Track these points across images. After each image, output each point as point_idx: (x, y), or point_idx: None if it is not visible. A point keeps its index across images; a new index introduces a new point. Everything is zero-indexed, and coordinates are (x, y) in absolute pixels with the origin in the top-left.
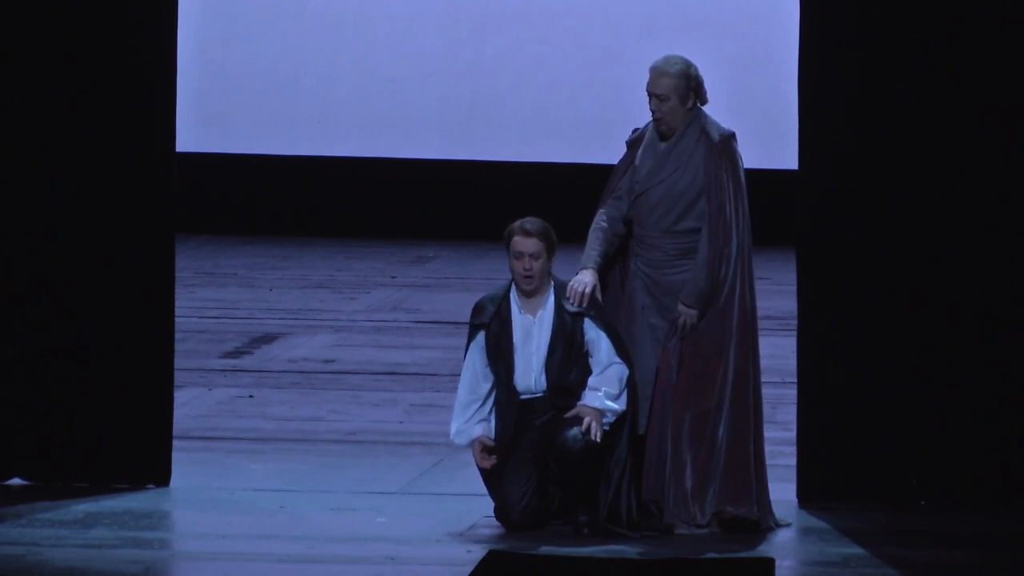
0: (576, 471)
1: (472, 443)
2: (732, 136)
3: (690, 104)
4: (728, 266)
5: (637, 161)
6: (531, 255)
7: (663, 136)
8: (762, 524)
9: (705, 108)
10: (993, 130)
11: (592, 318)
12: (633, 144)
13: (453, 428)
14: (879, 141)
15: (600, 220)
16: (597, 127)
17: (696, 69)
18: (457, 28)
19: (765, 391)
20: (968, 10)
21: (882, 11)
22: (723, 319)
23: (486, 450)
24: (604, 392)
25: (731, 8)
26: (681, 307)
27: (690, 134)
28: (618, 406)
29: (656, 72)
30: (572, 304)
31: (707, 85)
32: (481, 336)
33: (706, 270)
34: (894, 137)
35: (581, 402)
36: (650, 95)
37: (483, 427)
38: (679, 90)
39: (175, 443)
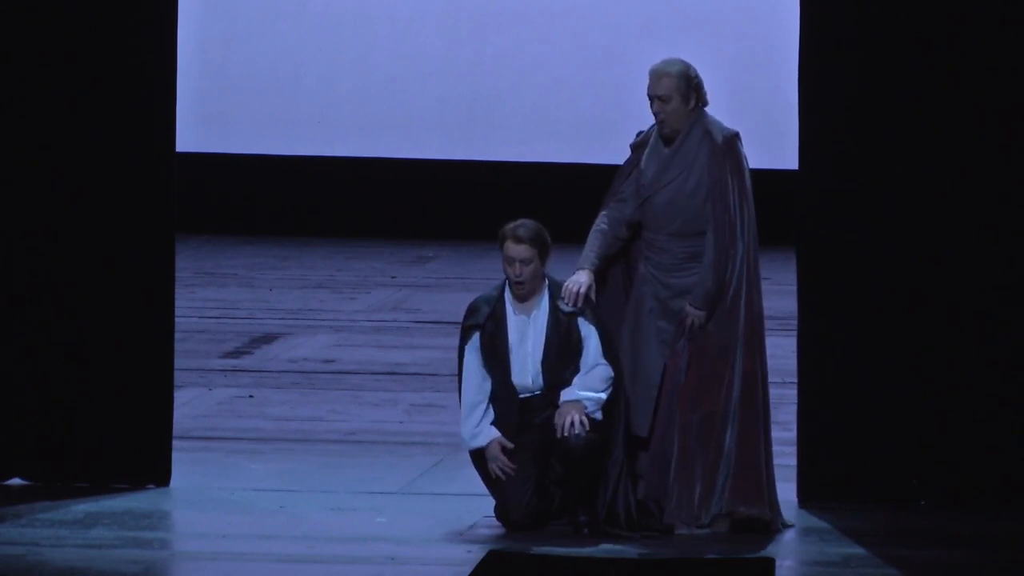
0: (580, 467)
1: (490, 443)
2: (736, 136)
3: (692, 104)
4: (734, 267)
5: (642, 164)
6: (522, 261)
7: (667, 139)
8: (772, 525)
9: (707, 108)
10: (993, 130)
11: (585, 316)
12: (637, 147)
13: (466, 431)
14: (879, 141)
15: (601, 222)
16: (597, 127)
17: (695, 70)
18: (457, 28)
19: None
20: (968, 10)
21: (882, 11)
22: (730, 320)
23: (505, 451)
24: (580, 385)
25: (731, 8)
26: (689, 308)
27: (693, 136)
28: (596, 394)
29: (656, 74)
30: (567, 304)
31: (707, 85)
32: (476, 337)
33: (713, 271)
34: (894, 137)
35: (560, 400)
36: (651, 98)
37: (496, 428)
38: (681, 90)
39: (175, 443)
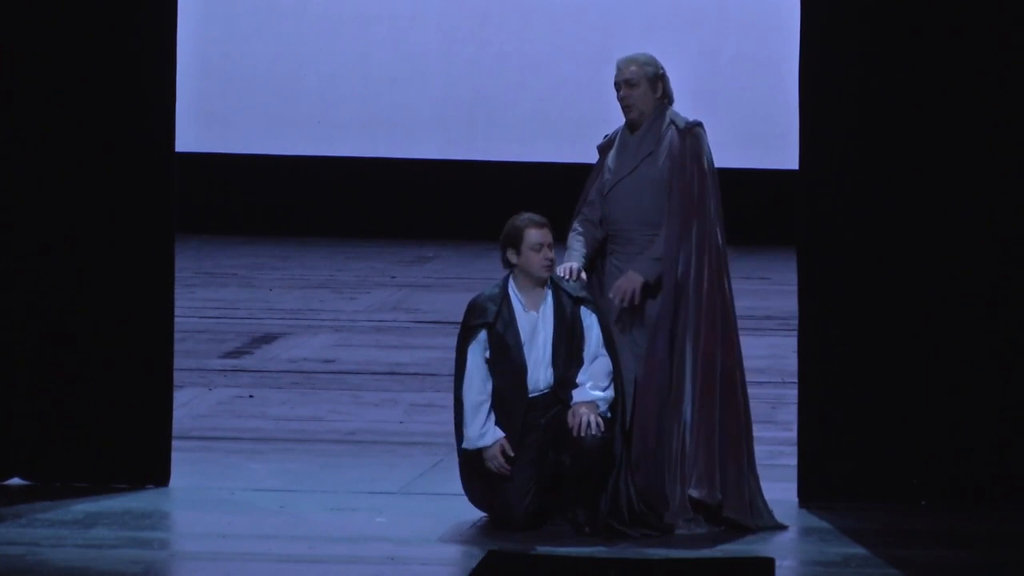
0: (593, 464)
1: (494, 444)
2: (698, 123)
3: (659, 93)
4: (689, 244)
5: (609, 162)
6: (549, 244)
7: (632, 125)
8: (725, 510)
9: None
10: (993, 130)
11: (588, 305)
12: (604, 149)
13: (472, 432)
14: (879, 141)
15: (577, 227)
16: (597, 127)
17: (663, 66)
18: (457, 28)
19: (765, 391)
20: (968, 10)
21: (882, 11)
22: (684, 303)
23: (505, 454)
24: (591, 384)
25: (731, 8)
26: (630, 272)
27: (658, 123)
28: (607, 394)
29: (623, 62)
30: (569, 281)
31: (707, 86)
32: (483, 336)
33: (663, 243)
34: (894, 137)
35: (573, 401)
36: (618, 84)
37: (501, 428)
38: (648, 76)
39: (175, 443)
